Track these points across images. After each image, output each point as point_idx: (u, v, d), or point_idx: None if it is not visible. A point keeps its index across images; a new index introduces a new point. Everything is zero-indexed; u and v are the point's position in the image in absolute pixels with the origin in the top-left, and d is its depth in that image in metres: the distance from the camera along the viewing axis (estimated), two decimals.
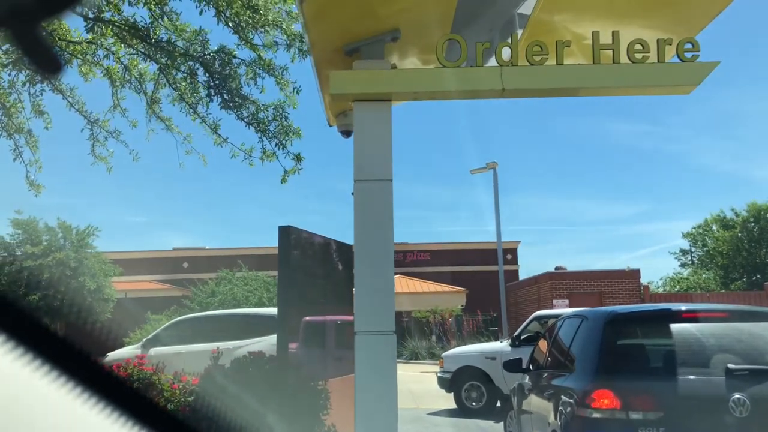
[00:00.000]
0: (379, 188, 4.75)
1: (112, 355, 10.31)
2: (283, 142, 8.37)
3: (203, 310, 19.74)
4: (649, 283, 34.13)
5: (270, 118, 8.30)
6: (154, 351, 9.64)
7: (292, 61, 8.11)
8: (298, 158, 8.45)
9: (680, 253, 42.58)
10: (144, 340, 10.67)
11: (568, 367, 4.74)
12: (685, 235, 40.74)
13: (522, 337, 10.33)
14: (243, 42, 7.91)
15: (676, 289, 35.67)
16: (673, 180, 58.79)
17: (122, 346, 12.30)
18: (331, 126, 6.50)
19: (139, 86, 8.82)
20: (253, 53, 8.05)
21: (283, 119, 8.31)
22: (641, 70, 4.66)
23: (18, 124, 9.15)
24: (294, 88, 8.25)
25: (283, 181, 8.59)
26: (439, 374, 11.34)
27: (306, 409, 4.35)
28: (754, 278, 33.88)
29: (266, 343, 8.86)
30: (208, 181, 54.69)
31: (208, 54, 7.97)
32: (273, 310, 10.65)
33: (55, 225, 20.76)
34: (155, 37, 7.70)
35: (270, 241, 28.42)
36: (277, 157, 8.47)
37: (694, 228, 39.85)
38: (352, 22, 4.83)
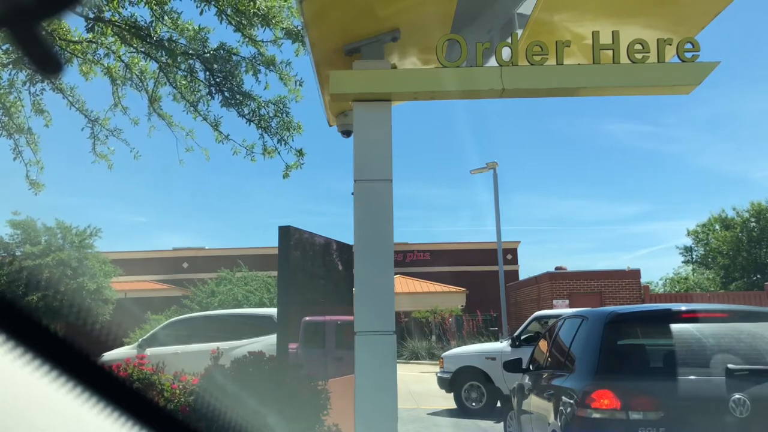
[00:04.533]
0: (379, 188, 4.75)
1: (108, 356, 10.30)
2: (285, 138, 8.38)
3: (203, 310, 19.74)
4: (649, 283, 34.21)
5: (271, 115, 8.31)
6: (150, 351, 9.60)
7: (297, 55, 8.13)
8: (300, 153, 8.47)
9: (684, 250, 42.66)
10: (140, 340, 10.63)
11: (569, 367, 4.74)
12: (689, 233, 40.76)
13: (522, 337, 10.32)
14: (246, 39, 7.90)
15: (676, 289, 35.67)
16: (673, 180, 58.91)
17: (122, 346, 12.29)
18: (331, 126, 6.50)
19: (140, 84, 8.83)
20: (255, 49, 8.05)
21: (285, 115, 8.32)
22: (641, 70, 4.65)
23: (18, 124, 9.16)
24: (296, 81, 8.25)
25: (286, 176, 8.60)
26: (439, 374, 11.33)
27: (306, 410, 4.35)
28: (754, 278, 33.87)
29: (263, 343, 8.87)
30: (208, 181, 54.72)
31: (208, 52, 7.97)
32: (269, 311, 10.68)
33: (53, 225, 20.76)
34: (155, 36, 7.70)
35: (270, 241, 28.47)
36: (279, 153, 8.49)
37: (698, 226, 39.87)
38: (352, 22, 4.83)
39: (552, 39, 4.73)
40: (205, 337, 9.71)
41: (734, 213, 36.80)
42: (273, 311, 10.50)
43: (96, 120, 9.17)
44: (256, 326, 9.92)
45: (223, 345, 8.92)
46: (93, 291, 19.81)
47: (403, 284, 26.34)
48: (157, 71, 8.62)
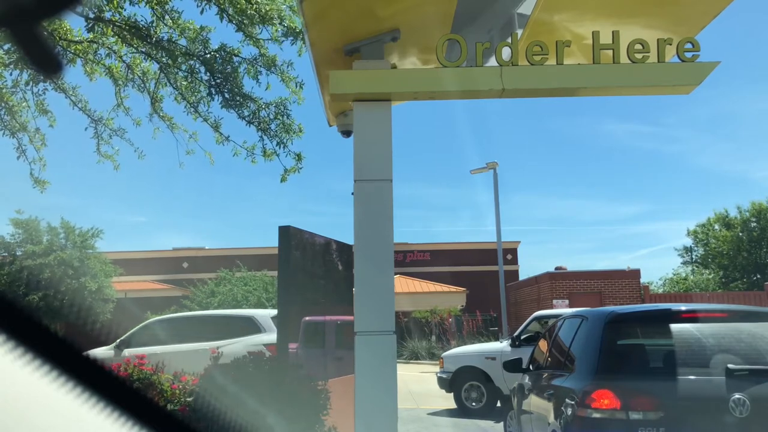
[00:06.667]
0: (379, 188, 4.75)
1: None
2: (284, 141, 8.41)
3: (202, 310, 19.75)
4: (649, 283, 34.15)
5: (272, 117, 8.33)
6: (128, 352, 9.43)
7: (299, 55, 8.13)
8: (298, 157, 8.50)
9: (683, 251, 42.60)
10: (118, 341, 10.41)
11: (568, 367, 4.74)
12: (689, 233, 40.72)
13: (522, 337, 10.33)
14: (247, 38, 7.91)
15: (675, 290, 35.66)
16: (673, 180, 58.90)
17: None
18: (331, 126, 6.50)
19: (142, 84, 8.84)
20: (256, 50, 8.06)
21: (285, 117, 8.33)
22: (641, 70, 4.65)
23: (22, 123, 9.17)
24: (297, 83, 8.26)
25: (283, 179, 8.64)
26: (439, 374, 11.34)
27: (306, 410, 4.35)
28: (754, 278, 33.86)
29: (243, 344, 8.91)
30: (208, 181, 54.74)
31: (209, 53, 7.98)
32: (250, 312, 10.70)
33: (58, 225, 20.82)
34: (156, 36, 7.71)
35: (270, 241, 28.48)
36: (278, 156, 8.51)
37: (698, 226, 39.83)
38: (352, 22, 4.83)
39: (552, 39, 4.73)
40: (185, 337, 9.66)
41: (737, 212, 36.75)
42: (254, 312, 10.53)
43: (99, 120, 9.18)
44: (237, 327, 9.92)
45: (203, 345, 8.94)
46: (94, 291, 19.83)
47: (403, 284, 26.34)
48: (158, 72, 8.63)
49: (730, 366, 3.93)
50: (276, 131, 8.38)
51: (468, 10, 4.81)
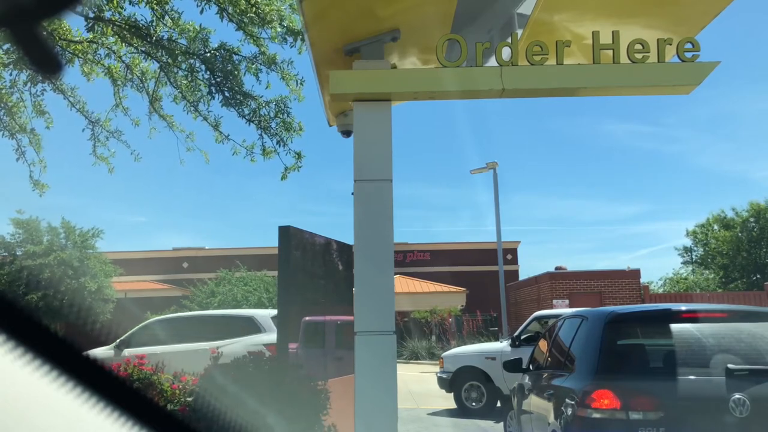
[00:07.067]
0: (379, 188, 4.75)
1: None
2: (284, 139, 8.41)
3: (202, 310, 19.75)
4: (649, 283, 34.16)
5: (272, 115, 8.33)
6: (128, 351, 9.42)
7: (300, 53, 8.13)
8: (298, 156, 8.50)
9: (683, 251, 42.59)
10: (118, 341, 10.38)
11: (568, 367, 4.74)
12: (689, 233, 40.70)
13: (522, 337, 10.33)
14: (247, 37, 7.91)
15: (675, 289, 35.66)
16: (673, 180, 58.91)
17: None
18: (331, 126, 6.50)
19: (141, 84, 8.84)
20: (256, 48, 8.07)
21: (285, 115, 8.33)
22: (641, 70, 4.65)
23: (21, 124, 9.17)
24: (297, 80, 8.26)
25: (283, 177, 8.63)
26: (439, 374, 11.34)
27: (306, 410, 4.35)
28: (754, 278, 33.86)
29: (243, 344, 8.91)
30: (208, 181, 54.74)
31: (209, 52, 7.98)
32: (250, 312, 10.70)
33: (58, 225, 20.83)
34: (156, 35, 7.71)
35: (270, 241, 28.48)
36: (278, 154, 8.51)
37: (697, 226, 39.83)
38: (352, 22, 4.83)
39: (552, 39, 4.73)
40: (185, 337, 9.65)
41: (733, 213, 36.78)
42: (254, 312, 10.52)
43: (96, 121, 9.18)
44: (237, 327, 9.92)
45: (203, 345, 8.94)
46: (94, 291, 19.83)
47: (403, 284, 26.33)
48: (158, 71, 8.63)
49: (730, 366, 3.93)
50: (276, 129, 8.38)
51: (468, 10, 4.81)
